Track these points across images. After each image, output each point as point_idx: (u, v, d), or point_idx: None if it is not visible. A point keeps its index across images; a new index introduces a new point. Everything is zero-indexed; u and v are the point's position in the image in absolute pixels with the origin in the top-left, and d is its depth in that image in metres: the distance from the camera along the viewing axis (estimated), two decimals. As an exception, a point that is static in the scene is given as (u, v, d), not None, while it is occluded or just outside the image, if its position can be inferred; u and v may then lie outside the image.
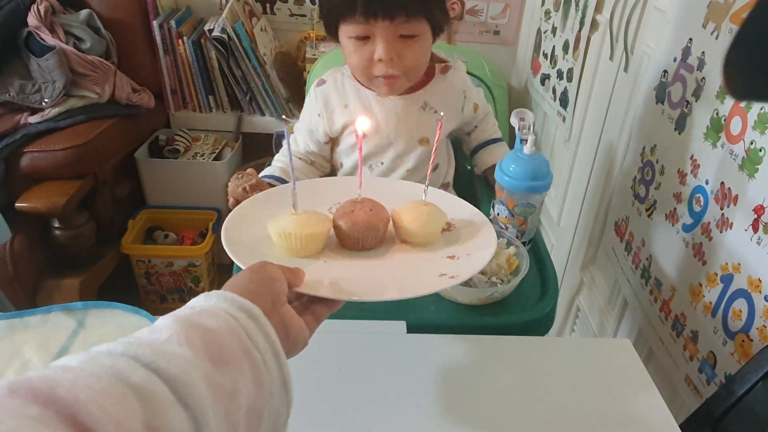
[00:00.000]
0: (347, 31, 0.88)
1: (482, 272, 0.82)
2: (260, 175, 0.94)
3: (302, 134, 1.03)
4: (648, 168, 0.96)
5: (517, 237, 0.90)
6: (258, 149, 1.82)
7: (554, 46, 1.44)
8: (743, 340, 0.69)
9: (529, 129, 1.02)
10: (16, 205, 1.34)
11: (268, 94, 1.71)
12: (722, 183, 0.75)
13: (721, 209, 0.75)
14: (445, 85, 1.01)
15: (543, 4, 1.55)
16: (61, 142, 1.39)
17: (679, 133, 0.86)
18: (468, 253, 0.62)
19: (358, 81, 0.98)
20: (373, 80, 0.93)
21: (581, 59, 1.26)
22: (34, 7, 1.48)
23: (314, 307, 0.52)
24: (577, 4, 1.29)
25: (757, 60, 0.39)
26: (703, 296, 0.78)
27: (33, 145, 1.38)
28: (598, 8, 1.19)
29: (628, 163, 1.04)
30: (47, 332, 0.72)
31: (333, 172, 1.08)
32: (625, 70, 1.07)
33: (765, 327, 0.66)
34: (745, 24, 0.39)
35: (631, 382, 0.67)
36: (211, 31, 1.61)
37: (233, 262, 0.56)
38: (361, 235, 0.60)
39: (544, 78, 1.52)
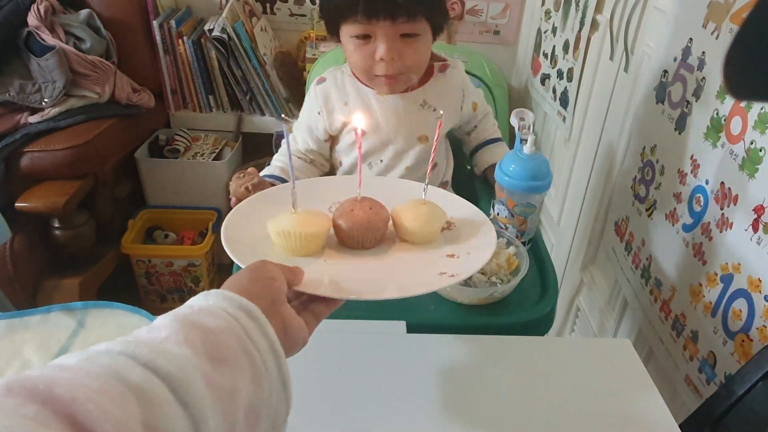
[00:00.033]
0: (349, 30, 0.89)
1: (482, 272, 0.82)
2: (260, 174, 0.94)
3: (302, 132, 1.03)
4: (648, 168, 0.96)
5: (517, 237, 0.90)
6: (258, 149, 1.82)
7: (554, 46, 1.44)
8: (743, 340, 0.69)
9: (529, 129, 1.02)
10: (16, 205, 1.34)
11: (268, 94, 1.71)
12: (722, 183, 0.75)
13: (721, 209, 0.75)
14: (443, 83, 1.01)
15: (543, 4, 1.55)
16: (61, 142, 1.39)
17: (679, 133, 0.86)
18: (468, 251, 0.62)
19: (358, 79, 0.98)
20: (374, 79, 0.94)
21: (581, 59, 1.26)
22: (34, 6, 1.48)
23: (314, 306, 0.52)
24: (577, 4, 1.29)
25: (757, 60, 0.39)
26: (703, 296, 0.78)
27: (33, 145, 1.38)
28: (598, 8, 1.19)
29: (628, 163, 1.04)
30: (47, 332, 0.72)
31: (332, 171, 1.08)
32: (625, 70, 1.07)
33: (765, 327, 0.66)
34: (745, 24, 0.39)
35: (631, 382, 0.67)
36: (211, 30, 1.61)
37: (233, 262, 0.56)
38: (361, 234, 0.60)
39: (544, 78, 1.52)
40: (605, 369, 0.69)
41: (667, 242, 0.89)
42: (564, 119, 1.37)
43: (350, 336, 0.71)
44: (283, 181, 0.94)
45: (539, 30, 1.58)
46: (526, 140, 0.88)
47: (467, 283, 0.81)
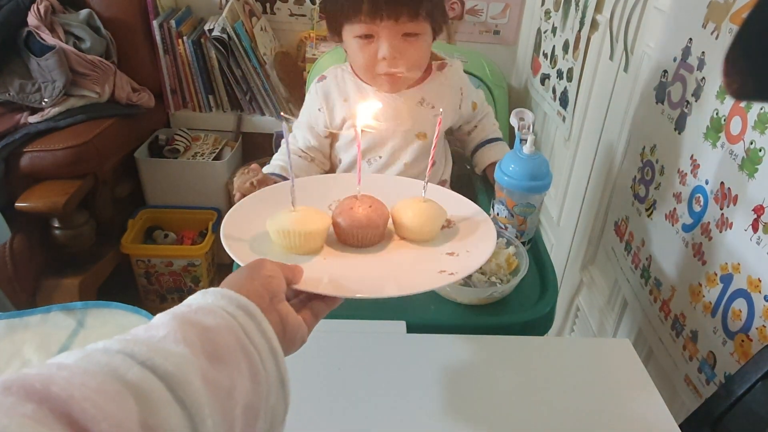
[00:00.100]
0: (352, 30, 0.90)
1: (482, 272, 0.82)
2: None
3: (302, 129, 1.04)
4: (648, 168, 0.96)
5: (516, 237, 0.90)
6: (258, 149, 1.82)
7: (554, 46, 1.44)
8: (743, 340, 0.70)
9: (528, 129, 1.02)
10: (16, 204, 1.34)
11: (268, 94, 1.71)
12: (722, 183, 0.75)
13: (721, 209, 0.75)
14: (441, 81, 1.03)
15: (543, 4, 1.55)
16: (61, 142, 1.39)
17: (679, 133, 0.86)
18: (467, 249, 0.62)
19: (358, 77, 1.00)
20: (376, 78, 0.95)
21: (581, 59, 1.26)
22: (34, 6, 1.48)
23: (313, 304, 0.51)
24: (577, 4, 1.29)
25: (757, 60, 0.39)
26: (703, 296, 0.78)
27: (33, 144, 1.38)
28: (598, 8, 1.19)
29: (628, 163, 1.04)
30: (47, 332, 0.72)
31: (333, 170, 1.08)
32: (625, 70, 1.07)
33: (765, 327, 0.66)
34: (746, 24, 0.39)
35: (631, 382, 0.67)
36: (211, 30, 1.61)
37: (233, 262, 0.56)
38: (361, 232, 0.60)
39: (544, 78, 1.52)
40: (605, 369, 0.69)
41: (667, 242, 0.89)
42: (564, 119, 1.37)
43: (350, 336, 0.71)
44: (285, 179, 0.94)
45: (539, 30, 1.58)
46: (526, 140, 0.88)
47: (467, 283, 0.81)
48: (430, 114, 1.00)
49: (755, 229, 0.68)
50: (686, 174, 0.84)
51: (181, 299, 0.42)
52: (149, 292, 1.73)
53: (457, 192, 0.74)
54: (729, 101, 0.74)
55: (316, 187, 0.72)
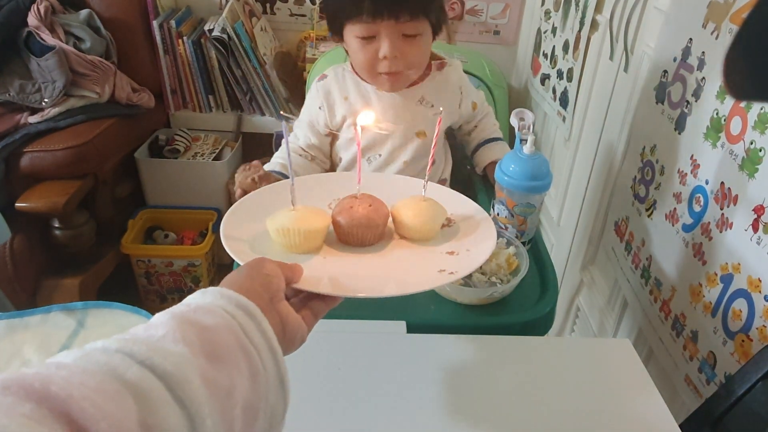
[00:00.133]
0: (353, 30, 0.91)
1: (482, 272, 0.82)
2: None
3: (303, 128, 1.05)
4: (648, 168, 0.96)
5: (516, 237, 0.90)
6: (258, 149, 1.82)
7: (554, 46, 1.44)
8: (743, 340, 0.69)
9: (528, 129, 1.02)
10: (16, 205, 1.34)
11: (268, 94, 1.71)
12: (722, 183, 0.75)
13: (721, 209, 0.75)
14: (441, 80, 1.04)
15: (543, 4, 1.55)
16: (61, 142, 1.39)
17: (679, 133, 0.86)
18: (467, 248, 0.62)
19: (359, 76, 1.01)
20: (377, 77, 0.96)
21: (581, 59, 1.26)
22: (34, 6, 1.48)
23: (312, 304, 0.51)
24: (577, 4, 1.29)
25: (757, 60, 0.39)
26: (703, 296, 0.78)
27: (33, 145, 1.38)
28: (598, 8, 1.19)
29: (628, 163, 1.04)
30: (47, 332, 0.72)
31: (333, 169, 1.09)
32: (625, 70, 1.07)
33: (765, 327, 0.66)
34: (745, 24, 0.39)
35: (631, 382, 0.67)
36: (211, 30, 1.61)
37: (233, 262, 0.56)
38: (360, 231, 0.60)
39: (544, 78, 1.52)
40: (605, 369, 0.69)
41: (667, 242, 0.89)
42: (564, 119, 1.37)
43: (350, 336, 0.71)
44: (285, 176, 0.94)
45: (539, 30, 1.58)
46: (526, 140, 0.88)
47: (467, 283, 0.81)
48: (429, 113, 1.01)
49: (755, 229, 0.68)
50: (686, 174, 0.84)
51: (181, 299, 0.42)
52: (149, 293, 1.73)
53: (457, 192, 0.74)
54: (729, 101, 0.74)
55: (316, 185, 0.72)
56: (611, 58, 1.12)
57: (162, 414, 0.31)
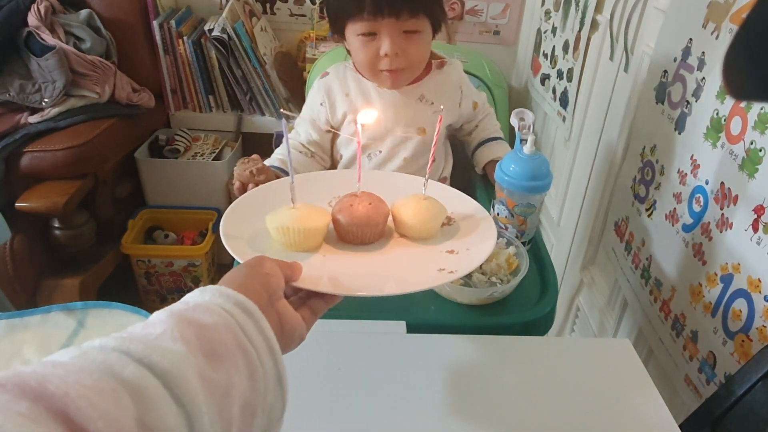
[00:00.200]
0: (355, 29, 0.93)
1: (482, 272, 0.82)
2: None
3: (304, 124, 1.06)
4: (648, 168, 0.96)
5: (516, 237, 0.90)
6: (258, 149, 1.80)
7: (554, 46, 1.44)
8: (743, 340, 0.69)
9: (529, 129, 1.02)
10: (16, 205, 1.34)
11: (268, 94, 1.71)
12: (722, 183, 0.75)
13: (721, 209, 0.75)
14: (441, 78, 1.05)
15: (543, 4, 1.55)
16: (61, 142, 1.39)
17: (679, 133, 0.86)
18: (467, 247, 0.62)
19: (360, 74, 1.02)
20: (378, 75, 0.97)
21: (581, 59, 1.26)
22: (34, 6, 1.48)
23: (312, 302, 0.51)
24: (577, 4, 1.29)
25: (757, 60, 0.39)
26: (703, 296, 0.78)
27: (33, 145, 1.38)
28: (598, 8, 1.19)
29: (628, 163, 1.04)
30: (47, 332, 0.72)
31: (333, 167, 1.09)
32: (625, 70, 1.07)
33: (765, 327, 0.66)
34: (745, 24, 0.39)
35: (631, 382, 0.67)
36: (211, 30, 1.61)
37: (233, 261, 0.56)
38: (360, 229, 0.60)
39: (544, 78, 1.52)
40: (605, 369, 0.69)
41: (667, 242, 0.89)
42: (564, 119, 1.37)
43: (350, 336, 0.71)
44: (283, 171, 0.95)
45: (539, 30, 1.58)
46: (526, 140, 0.88)
47: (467, 283, 0.81)
48: (429, 110, 1.02)
49: (755, 229, 0.68)
50: (686, 174, 0.84)
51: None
52: (149, 293, 1.73)
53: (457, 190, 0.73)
54: (729, 101, 0.74)
55: (316, 183, 0.71)
56: (611, 58, 1.12)
57: (159, 412, 0.31)
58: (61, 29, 1.50)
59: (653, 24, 0.98)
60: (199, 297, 0.42)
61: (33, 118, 1.42)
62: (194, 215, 1.75)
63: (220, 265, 1.80)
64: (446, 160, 1.13)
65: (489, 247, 0.60)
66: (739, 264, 0.71)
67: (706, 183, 0.79)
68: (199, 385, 0.34)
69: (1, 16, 1.44)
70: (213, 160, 1.71)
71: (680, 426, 0.61)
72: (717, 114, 0.77)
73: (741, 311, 0.70)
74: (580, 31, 1.27)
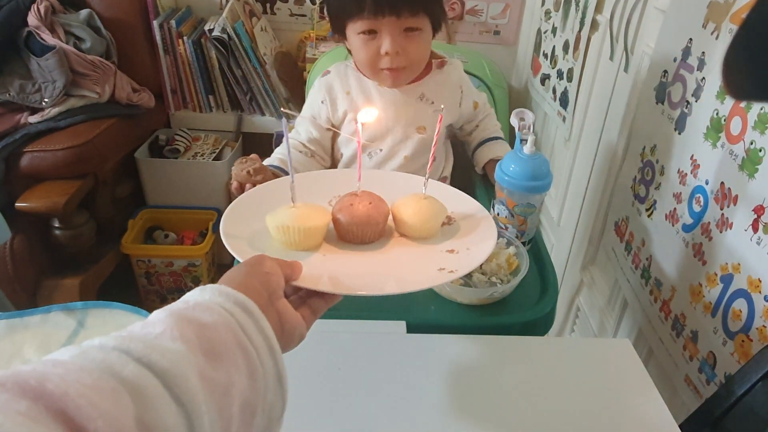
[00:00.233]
0: (356, 27, 0.93)
1: (482, 272, 0.82)
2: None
3: (304, 123, 1.06)
4: (648, 168, 0.96)
5: (517, 237, 0.90)
6: (258, 149, 1.80)
7: (554, 46, 1.44)
8: (743, 340, 0.69)
9: (529, 129, 1.02)
10: (16, 205, 1.34)
11: (268, 94, 1.71)
12: (722, 183, 0.75)
13: (721, 209, 0.75)
14: (441, 78, 1.05)
15: (543, 4, 1.55)
16: (61, 142, 1.39)
17: (679, 133, 0.86)
18: (468, 247, 0.61)
19: (361, 72, 1.03)
20: (379, 73, 0.98)
21: (581, 59, 1.26)
22: (34, 6, 1.48)
23: (311, 301, 0.51)
24: (577, 4, 1.29)
25: (756, 60, 0.39)
26: (703, 296, 0.78)
27: (33, 145, 1.38)
28: (598, 8, 1.19)
29: (628, 163, 1.04)
30: (47, 332, 0.72)
31: (333, 167, 1.09)
32: (625, 70, 1.07)
33: (765, 327, 0.66)
34: (745, 24, 0.39)
35: (631, 382, 0.67)
36: (211, 30, 1.61)
37: (233, 261, 0.56)
38: (360, 228, 0.60)
39: (544, 78, 1.52)
40: (605, 369, 0.69)
41: (667, 242, 0.89)
42: (564, 119, 1.37)
43: (350, 336, 0.71)
44: (282, 171, 0.95)
45: (539, 30, 1.58)
46: (526, 140, 0.88)
47: (467, 283, 0.81)
48: (429, 109, 1.03)
49: (755, 229, 0.68)
50: (686, 174, 0.84)
51: (181, 299, 0.42)
52: (149, 293, 1.73)
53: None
54: (729, 101, 0.74)
55: (316, 182, 0.71)
56: (611, 58, 1.12)
57: (159, 411, 0.31)
58: (61, 29, 1.50)
59: (653, 24, 0.98)
60: (198, 296, 0.41)
61: (33, 118, 1.42)
62: (194, 215, 1.75)
63: (220, 265, 1.80)
64: (446, 160, 1.13)
65: (489, 246, 0.60)
66: (739, 264, 0.71)
67: (706, 183, 0.79)
68: (198, 384, 0.34)
69: (1, 16, 1.44)
70: (213, 160, 1.71)
71: (680, 426, 0.61)
72: (717, 114, 0.77)
73: (741, 311, 0.70)
74: (580, 31, 1.27)
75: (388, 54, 0.93)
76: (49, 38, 1.45)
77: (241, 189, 0.84)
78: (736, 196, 0.72)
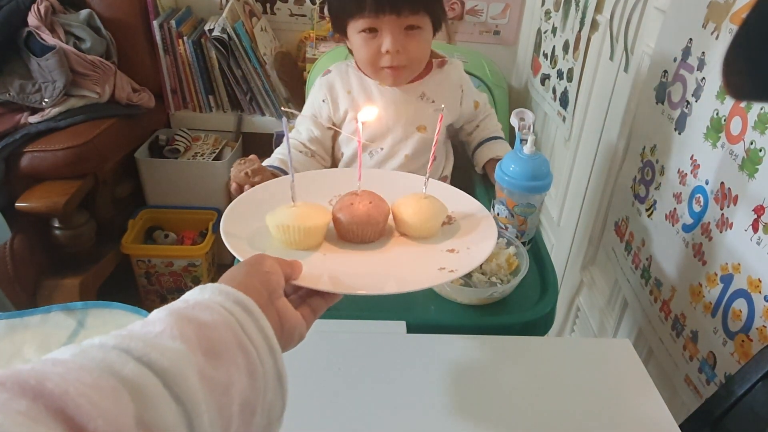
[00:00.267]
0: (357, 26, 0.94)
1: (482, 272, 0.82)
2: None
3: (305, 121, 1.06)
4: (648, 168, 0.96)
5: (517, 237, 0.90)
6: (258, 149, 1.80)
7: (554, 46, 1.44)
8: (743, 340, 0.69)
9: (529, 129, 1.02)
10: (16, 205, 1.34)
11: (268, 94, 1.71)
12: (722, 183, 0.75)
13: (721, 209, 0.75)
14: (441, 77, 1.06)
15: (543, 4, 1.55)
16: (61, 142, 1.39)
17: (679, 133, 0.86)
18: (468, 246, 0.61)
19: (362, 71, 1.03)
20: (380, 71, 0.98)
21: (581, 59, 1.26)
22: (34, 6, 1.48)
23: (311, 301, 0.51)
24: (577, 4, 1.29)
25: (756, 60, 0.39)
26: (703, 296, 0.78)
27: (33, 145, 1.38)
28: (598, 8, 1.19)
29: (628, 163, 1.04)
30: (47, 332, 0.72)
31: (334, 166, 1.09)
32: (625, 70, 1.07)
33: (765, 327, 0.66)
34: (745, 24, 0.39)
35: (631, 382, 0.67)
36: (211, 30, 1.61)
37: (233, 261, 0.56)
38: (360, 228, 0.60)
39: (544, 78, 1.52)
40: (605, 369, 0.69)
41: (667, 242, 0.89)
42: (564, 119, 1.37)
43: (350, 336, 0.71)
44: (282, 171, 0.95)
45: (539, 30, 1.58)
46: (526, 140, 0.88)
47: (467, 283, 0.81)
48: (430, 108, 1.03)
49: (755, 229, 0.68)
50: (686, 174, 0.84)
51: (181, 299, 0.42)
52: (149, 293, 1.73)
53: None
54: (729, 101, 0.74)
55: (317, 182, 0.71)
56: (611, 58, 1.12)
57: (159, 410, 0.31)
58: (61, 29, 1.50)
59: (653, 24, 0.98)
60: (198, 295, 0.41)
61: (33, 118, 1.42)
62: (194, 215, 1.75)
63: (220, 265, 1.80)
64: (447, 159, 1.13)
65: (489, 246, 0.60)
66: (739, 264, 0.71)
67: (706, 183, 0.79)
68: (198, 383, 0.34)
69: (1, 16, 1.44)
70: (213, 160, 1.71)
71: (680, 426, 0.61)
72: (717, 114, 0.77)
73: (741, 311, 0.70)
74: (580, 31, 1.27)
75: (388, 52, 0.93)
76: (49, 38, 1.45)
77: (240, 190, 0.84)
78: (736, 196, 0.72)
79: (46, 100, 1.43)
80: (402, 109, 1.02)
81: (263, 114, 1.76)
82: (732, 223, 0.73)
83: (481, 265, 0.80)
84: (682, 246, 0.84)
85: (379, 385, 0.64)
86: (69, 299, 0.99)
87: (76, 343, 0.63)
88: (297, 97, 1.73)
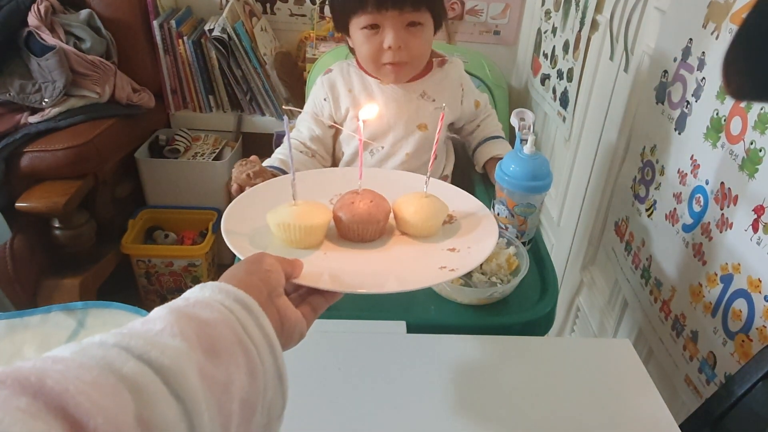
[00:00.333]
0: (359, 22, 0.94)
1: (482, 272, 0.82)
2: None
3: (306, 120, 1.06)
4: (648, 168, 0.96)
5: (517, 237, 0.90)
6: (258, 149, 1.80)
7: (554, 46, 1.44)
8: (743, 340, 0.69)
9: (529, 129, 1.02)
10: (16, 205, 1.34)
11: (268, 94, 1.71)
12: (722, 183, 0.75)
13: (721, 209, 0.75)
14: (442, 76, 1.06)
15: (543, 4, 1.55)
16: (61, 142, 1.39)
17: (679, 133, 0.86)
18: (468, 245, 0.61)
19: (363, 70, 1.04)
20: (381, 68, 0.99)
21: (581, 59, 1.26)
22: (34, 6, 1.48)
23: (312, 299, 0.51)
24: (577, 4, 1.29)
25: (756, 60, 0.39)
26: (703, 296, 0.78)
27: (33, 145, 1.38)
28: (598, 8, 1.19)
29: (628, 163, 1.04)
30: (47, 332, 0.72)
31: (334, 165, 1.10)
32: (625, 70, 1.07)
33: (765, 327, 0.66)
34: (745, 24, 0.39)
35: (631, 382, 0.67)
36: (211, 31, 1.61)
37: (234, 260, 0.56)
38: (361, 226, 0.60)
39: (544, 78, 1.52)
40: (605, 369, 0.69)
41: (667, 242, 0.89)
42: (564, 119, 1.37)
43: (350, 336, 0.71)
44: (282, 172, 0.95)
45: (539, 30, 1.58)
46: (526, 140, 0.88)
47: (467, 283, 0.81)
48: (431, 106, 1.04)
49: (755, 229, 0.68)
50: (686, 174, 0.84)
51: (181, 299, 0.42)
52: (149, 293, 1.73)
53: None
54: (729, 101, 0.74)
55: (318, 180, 0.71)
56: (611, 58, 1.12)
57: (159, 408, 0.31)
58: (61, 29, 1.50)
59: (653, 24, 0.98)
60: (198, 293, 0.42)
61: (33, 118, 1.42)
62: (194, 215, 1.75)
63: (220, 265, 1.80)
64: (447, 158, 1.14)
65: (490, 245, 0.60)
66: (739, 264, 0.71)
67: (706, 183, 0.79)
68: (198, 381, 0.34)
69: (1, 16, 1.44)
70: (213, 160, 1.71)
71: (680, 426, 0.61)
72: (717, 114, 0.77)
73: (741, 311, 0.70)
74: (580, 31, 1.27)
75: (390, 48, 0.94)
76: (49, 38, 1.45)
77: (241, 191, 0.84)
78: (736, 196, 0.72)
79: (46, 100, 1.43)
80: (403, 107, 1.02)
81: (263, 114, 1.76)
82: (732, 223, 0.73)
83: (481, 265, 0.81)
84: (682, 246, 0.84)
85: (379, 385, 0.64)
86: (69, 299, 0.99)
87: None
88: (297, 97, 1.73)
